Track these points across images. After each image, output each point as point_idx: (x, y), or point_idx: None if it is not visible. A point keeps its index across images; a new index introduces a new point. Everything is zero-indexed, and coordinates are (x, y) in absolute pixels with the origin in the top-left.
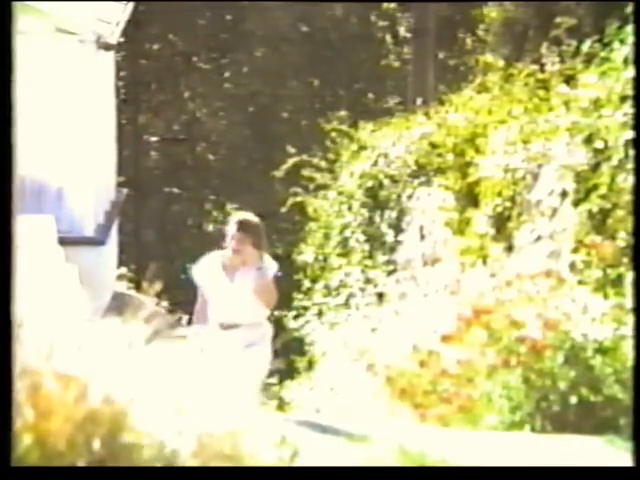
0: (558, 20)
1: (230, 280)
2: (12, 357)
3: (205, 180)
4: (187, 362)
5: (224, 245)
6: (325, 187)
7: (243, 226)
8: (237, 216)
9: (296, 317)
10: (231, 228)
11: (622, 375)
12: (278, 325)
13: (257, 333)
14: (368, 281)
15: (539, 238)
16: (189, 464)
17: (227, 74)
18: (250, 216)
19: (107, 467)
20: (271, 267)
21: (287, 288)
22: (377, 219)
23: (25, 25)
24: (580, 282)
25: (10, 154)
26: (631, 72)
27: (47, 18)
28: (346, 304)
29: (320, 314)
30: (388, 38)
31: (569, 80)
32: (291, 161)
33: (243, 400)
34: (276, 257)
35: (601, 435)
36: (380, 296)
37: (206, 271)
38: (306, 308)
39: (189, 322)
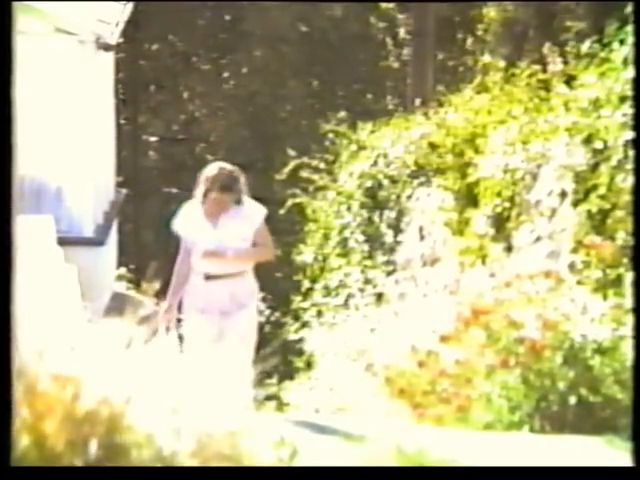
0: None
1: (213, 227)
2: (11, 357)
3: None
4: (185, 362)
5: (202, 196)
6: (324, 188)
7: (225, 187)
8: (215, 172)
9: (295, 317)
10: (210, 185)
11: (621, 375)
12: (277, 326)
13: (243, 287)
14: (367, 281)
15: (538, 238)
16: (188, 464)
17: (226, 74)
18: (228, 170)
19: (105, 467)
20: (258, 212)
21: (286, 289)
22: (376, 219)
23: (25, 25)
24: (579, 282)
25: (10, 154)
26: (631, 72)
27: (47, 18)
28: (345, 304)
29: (319, 314)
30: (387, 39)
31: (569, 80)
32: (292, 163)
33: (241, 397)
34: (276, 258)
35: (600, 435)
36: (379, 296)
37: (187, 220)
38: (305, 308)
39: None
